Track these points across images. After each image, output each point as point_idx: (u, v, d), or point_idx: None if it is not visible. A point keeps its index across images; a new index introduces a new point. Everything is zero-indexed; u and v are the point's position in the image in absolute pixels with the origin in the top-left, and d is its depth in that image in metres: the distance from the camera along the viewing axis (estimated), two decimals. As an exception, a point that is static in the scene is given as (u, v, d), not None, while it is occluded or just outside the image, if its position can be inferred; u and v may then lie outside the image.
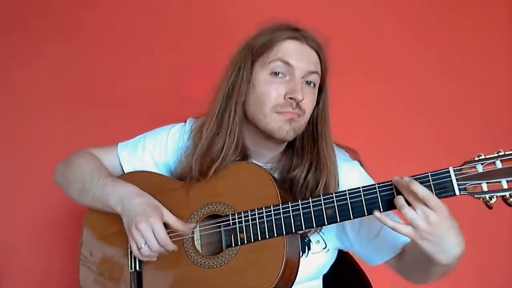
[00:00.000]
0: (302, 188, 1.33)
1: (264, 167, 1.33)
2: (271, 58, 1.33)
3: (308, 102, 1.33)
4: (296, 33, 1.35)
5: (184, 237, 1.31)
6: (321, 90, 1.40)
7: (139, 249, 1.28)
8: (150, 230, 1.26)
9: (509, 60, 2.20)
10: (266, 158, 1.42)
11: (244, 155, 1.39)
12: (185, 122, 1.50)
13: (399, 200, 1.12)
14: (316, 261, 1.36)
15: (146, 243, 1.27)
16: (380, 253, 1.36)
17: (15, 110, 2.33)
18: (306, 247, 1.35)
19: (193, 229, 1.31)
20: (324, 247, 1.36)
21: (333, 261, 1.43)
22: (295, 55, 1.33)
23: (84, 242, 1.47)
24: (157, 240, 1.27)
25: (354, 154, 1.46)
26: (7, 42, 2.36)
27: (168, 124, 1.55)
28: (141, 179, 1.43)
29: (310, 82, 1.34)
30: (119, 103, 2.29)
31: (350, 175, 1.37)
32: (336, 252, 1.43)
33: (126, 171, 1.50)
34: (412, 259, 1.29)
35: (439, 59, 2.22)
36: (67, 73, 2.33)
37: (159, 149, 1.48)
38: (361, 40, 2.25)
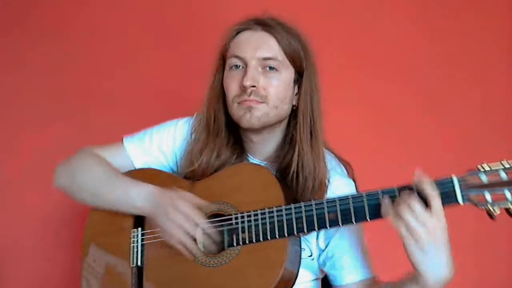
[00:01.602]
0: (292, 178, 1.33)
1: (261, 164, 1.36)
2: (228, 56, 1.38)
3: (269, 87, 1.33)
4: (247, 23, 1.38)
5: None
6: (302, 75, 1.39)
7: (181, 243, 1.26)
8: (178, 213, 1.26)
9: (511, 59, 2.18)
10: (261, 154, 1.42)
11: (242, 151, 1.42)
12: (193, 116, 1.51)
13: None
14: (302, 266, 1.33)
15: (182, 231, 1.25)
16: (350, 273, 1.34)
17: (13, 111, 2.32)
18: None
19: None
20: (310, 255, 1.35)
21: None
22: (245, 45, 1.35)
23: (86, 240, 1.47)
24: (188, 220, 1.25)
25: (349, 169, 1.45)
26: (3, 42, 2.35)
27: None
28: (145, 178, 1.42)
29: (271, 67, 1.34)
30: (118, 103, 2.28)
31: (344, 191, 1.34)
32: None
33: (137, 166, 1.49)
34: None
35: (442, 58, 2.20)
36: (65, 73, 2.32)
37: (166, 140, 1.49)
38: (364, 39, 2.24)
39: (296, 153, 1.34)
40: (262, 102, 1.33)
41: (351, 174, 1.44)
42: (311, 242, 1.36)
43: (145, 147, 1.49)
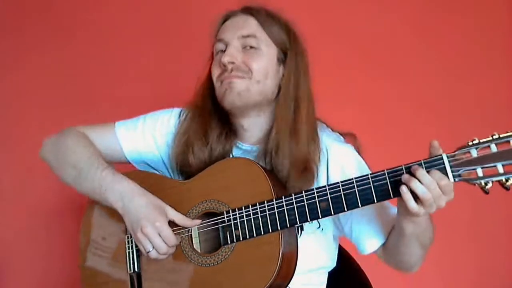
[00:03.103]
0: (277, 158, 1.31)
1: (252, 149, 1.36)
2: (214, 44, 1.40)
3: (249, 61, 1.33)
4: (230, 12, 1.40)
5: (181, 236, 1.31)
6: (285, 54, 1.38)
7: (147, 252, 1.27)
8: (157, 234, 1.25)
9: (509, 59, 2.16)
10: (251, 139, 1.40)
11: (231, 138, 1.40)
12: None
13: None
14: (312, 241, 1.33)
15: (153, 247, 1.26)
16: (371, 238, 1.33)
17: (13, 110, 2.32)
18: (299, 228, 1.32)
19: (198, 225, 1.30)
20: (318, 226, 1.34)
21: (334, 248, 1.40)
22: (226, 29, 1.38)
23: (82, 248, 1.47)
24: (165, 243, 1.26)
25: (351, 139, 1.42)
26: (6, 42, 2.36)
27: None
28: (135, 179, 1.39)
29: (252, 46, 1.34)
30: (117, 103, 2.26)
31: (343, 156, 1.35)
32: (336, 240, 1.41)
33: (125, 150, 1.47)
34: (393, 242, 1.29)
35: (441, 59, 2.18)
36: (65, 73, 2.32)
37: (160, 127, 1.47)
38: (362, 39, 2.21)
39: (273, 132, 1.33)
40: (243, 78, 1.32)
41: (352, 143, 1.41)
42: None
43: (137, 132, 1.47)
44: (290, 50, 1.37)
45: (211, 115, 1.40)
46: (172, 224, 1.30)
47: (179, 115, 1.46)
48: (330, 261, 1.41)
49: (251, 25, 1.36)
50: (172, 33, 2.29)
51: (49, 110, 2.30)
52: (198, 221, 1.29)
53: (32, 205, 2.24)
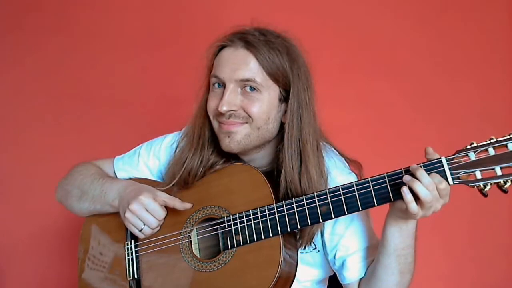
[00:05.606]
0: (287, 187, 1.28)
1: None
2: (211, 75, 1.33)
3: (249, 107, 1.27)
4: (229, 38, 1.30)
5: (181, 242, 1.31)
6: (288, 90, 1.30)
7: (140, 231, 1.30)
8: (144, 209, 1.29)
9: (509, 58, 2.18)
10: (255, 163, 1.36)
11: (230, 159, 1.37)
12: (181, 130, 1.48)
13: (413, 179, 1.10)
14: (304, 259, 1.31)
15: (144, 223, 1.29)
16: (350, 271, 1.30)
17: (14, 111, 2.34)
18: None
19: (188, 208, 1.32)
20: (314, 247, 1.32)
21: (330, 267, 1.37)
22: (224, 65, 1.28)
23: (81, 257, 1.47)
24: (154, 216, 1.29)
25: (356, 167, 1.37)
26: (2, 41, 2.37)
27: (162, 127, 1.57)
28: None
29: (252, 88, 1.27)
30: (118, 103, 2.29)
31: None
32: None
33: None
34: (372, 267, 1.26)
35: (441, 58, 2.20)
36: (66, 74, 2.34)
37: (153, 157, 1.49)
38: (362, 39, 2.23)
39: (283, 174, 1.27)
40: (244, 123, 1.29)
41: (354, 169, 1.37)
42: (317, 242, 1.32)
43: (133, 164, 1.50)
44: (293, 86, 1.29)
45: (207, 144, 1.37)
46: (170, 227, 1.32)
47: (173, 141, 1.46)
48: (328, 273, 1.40)
49: (250, 66, 1.26)
50: (172, 33, 2.31)
51: (48, 109, 2.32)
52: (189, 205, 1.31)
53: (33, 206, 2.24)
